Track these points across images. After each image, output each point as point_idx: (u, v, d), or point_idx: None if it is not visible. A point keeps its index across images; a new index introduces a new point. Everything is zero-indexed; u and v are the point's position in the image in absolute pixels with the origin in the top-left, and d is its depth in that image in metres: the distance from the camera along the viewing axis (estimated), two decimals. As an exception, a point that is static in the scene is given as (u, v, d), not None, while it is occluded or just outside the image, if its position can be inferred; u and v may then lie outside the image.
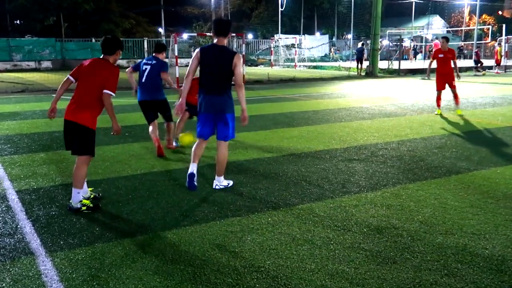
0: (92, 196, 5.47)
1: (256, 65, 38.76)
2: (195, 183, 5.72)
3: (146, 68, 7.64)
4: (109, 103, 5.09)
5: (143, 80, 7.61)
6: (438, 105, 12.11)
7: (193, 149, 5.90)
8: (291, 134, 9.32)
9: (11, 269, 3.77)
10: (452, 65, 11.75)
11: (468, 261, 3.87)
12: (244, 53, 25.26)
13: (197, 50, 5.60)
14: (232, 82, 5.59)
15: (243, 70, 22.17)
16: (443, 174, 6.44)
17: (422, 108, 13.06)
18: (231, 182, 5.98)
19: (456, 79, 11.86)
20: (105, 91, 5.03)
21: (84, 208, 5.07)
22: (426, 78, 13.02)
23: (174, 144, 8.13)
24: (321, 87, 20.77)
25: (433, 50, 37.85)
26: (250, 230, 4.52)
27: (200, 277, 3.60)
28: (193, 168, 5.76)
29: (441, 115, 11.77)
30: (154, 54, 7.84)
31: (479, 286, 3.46)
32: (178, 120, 8.13)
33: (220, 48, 5.54)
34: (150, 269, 3.75)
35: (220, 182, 5.85)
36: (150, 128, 7.69)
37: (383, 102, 14.70)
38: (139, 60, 8.41)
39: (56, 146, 8.37)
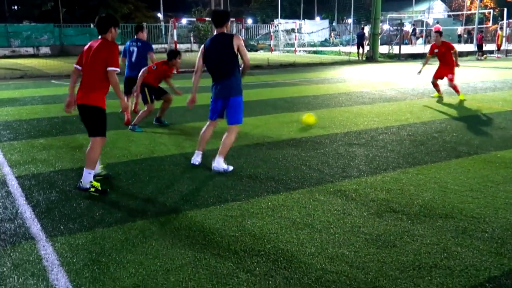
0: (103, 173, 5.64)
1: (256, 50, 38.55)
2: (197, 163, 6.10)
3: (133, 50, 9.17)
4: (114, 81, 5.08)
5: (133, 60, 9.15)
6: (438, 91, 12.09)
7: (201, 132, 6.13)
8: (291, 119, 9.30)
9: (11, 254, 3.78)
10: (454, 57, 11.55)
11: (467, 244, 3.87)
12: (243, 38, 25.09)
13: (201, 47, 5.91)
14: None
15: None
16: (443, 158, 6.44)
17: (423, 93, 13.00)
18: (230, 168, 5.96)
19: (456, 68, 11.65)
20: (108, 68, 5.02)
21: (92, 189, 5.10)
22: (418, 73, 12.32)
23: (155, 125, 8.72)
24: (321, 72, 20.68)
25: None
26: (250, 215, 4.52)
27: (200, 261, 3.61)
28: (196, 158, 6.13)
29: (441, 98, 11.72)
30: (136, 36, 9.36)
31: (479, 269, 3.47)
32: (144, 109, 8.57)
33: (219, 36, 5.72)
34: (150, 253, 3.76)
35: (219, 164, 5.87)
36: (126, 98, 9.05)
37: (383, 86, 14.65)
38: (122, 47, 9.19)
39: (56, 132, 8.35)
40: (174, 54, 8.31)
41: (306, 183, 5.46)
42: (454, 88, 11.68)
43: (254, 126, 8.61)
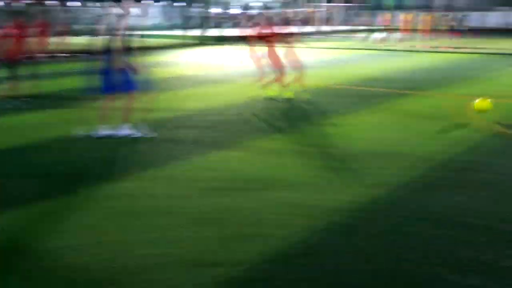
0: None
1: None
2: None
3: None
4: None
5: None
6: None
7: None
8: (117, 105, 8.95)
9: None
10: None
11: (281, 212, 4.21)
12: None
13: None
14: None
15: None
16: (261, 134, 6.90)
17: (247, 74, 13.50)
18: None
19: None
20: None
21: None
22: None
23: None
24: (150, 56, 20.31)
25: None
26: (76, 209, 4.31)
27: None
28: None
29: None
30: None
31: (288, 234, 3.79)
32: None
33: None
34: None
35: None
36: None
37: (211, 69, 14.95)
38: None
39: None
40: None
41: (133, 170, 5.36)
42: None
43: (61, 117, 8.13)
